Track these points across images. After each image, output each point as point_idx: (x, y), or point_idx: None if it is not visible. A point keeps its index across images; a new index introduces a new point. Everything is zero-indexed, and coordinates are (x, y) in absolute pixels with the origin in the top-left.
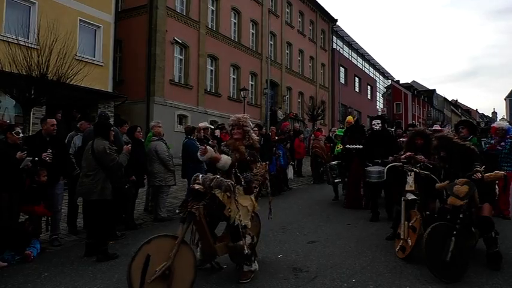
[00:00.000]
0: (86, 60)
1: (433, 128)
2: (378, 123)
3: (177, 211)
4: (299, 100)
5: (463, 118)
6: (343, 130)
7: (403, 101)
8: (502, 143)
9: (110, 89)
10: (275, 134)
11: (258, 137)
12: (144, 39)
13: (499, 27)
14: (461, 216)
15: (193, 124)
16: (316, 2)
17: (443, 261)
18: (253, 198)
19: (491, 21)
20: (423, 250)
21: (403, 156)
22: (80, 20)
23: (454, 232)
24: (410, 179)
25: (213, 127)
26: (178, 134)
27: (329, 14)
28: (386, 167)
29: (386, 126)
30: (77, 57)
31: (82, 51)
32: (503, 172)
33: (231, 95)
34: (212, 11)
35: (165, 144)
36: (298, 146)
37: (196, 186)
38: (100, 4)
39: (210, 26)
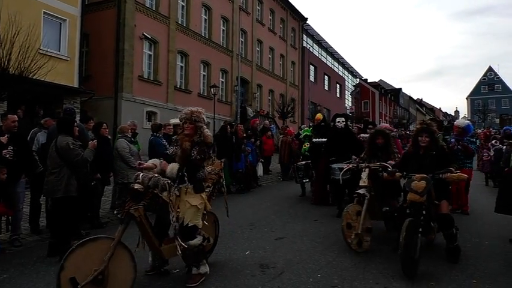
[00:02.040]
0: (50, 54)
1: (381, 126)
2: (342, 121)
3: (115, 212)
4: (269, 97)
5: (427, 116)
6: (309, 130)
7: (371, 99)
8: (461, 142)
9: (75, 85)
10: (242, 131)
11: (229, 134)
12: (112, 34)
13: (463, 28)
14: (424, 212)
15: (162, 121)
16: (287, 0)
17: (413, 259)
18: (204, 196)
19: (456, 22)
20: (400, 249)
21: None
22: (44, 12)
23: (420, 229)
24: (364, 175)
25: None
26: (147, 131)
27: (299, 12)
28: (341, 172)
29: (349, 124)
30: (40, 51)
31: (46, 45)
32: (466, 176)
33: (201, 91)
34: (182, 6)
35: (131, 141)
36: (265, 143)
37: (136, 186)
38: None
39: (180, 22)
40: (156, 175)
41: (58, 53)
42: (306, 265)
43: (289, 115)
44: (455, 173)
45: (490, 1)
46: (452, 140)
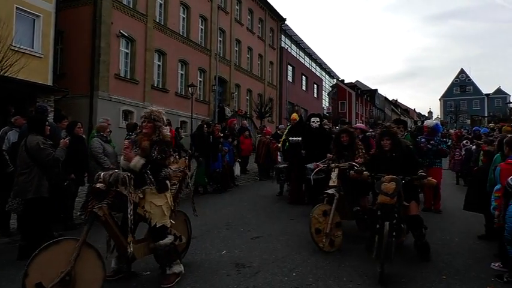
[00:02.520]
0: (23, 51)
1: (355, 126)
2: (317, 121)
3: (79, 213)
4: (247, 97)
5: (402, 117)
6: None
7: (348, 99)
8: (431, 141)
9: (49, 82)
10: (219, 130)
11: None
12: (88, 31)
13: (436, 31)
14: (396, 215)
15: (139, 120)
16: (266, 0)
17: (389, 262)
18: (169, 195)
19: (429, 25)
20: (382, 252)
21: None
22: (16, 7)
23: (394, 233)
24: (334, 175)
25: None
26: (123, 130)
27: (278, 12)
28: (312, 173)
29: (323, 124)
30: (12, 48)
31: (19, 42)
32: (435, 181)
33: (179, 91)
34: (160, 4)
35: (106, 140)
36: (242, 142)
37: (98, 185)
38: None
39: (157, 20)
40: (116, 171)
41: (31, 49)
42: (282, 264)
43: (267, 115)
44: (426, 178)
45: (461, 5)
46: (422, 140)
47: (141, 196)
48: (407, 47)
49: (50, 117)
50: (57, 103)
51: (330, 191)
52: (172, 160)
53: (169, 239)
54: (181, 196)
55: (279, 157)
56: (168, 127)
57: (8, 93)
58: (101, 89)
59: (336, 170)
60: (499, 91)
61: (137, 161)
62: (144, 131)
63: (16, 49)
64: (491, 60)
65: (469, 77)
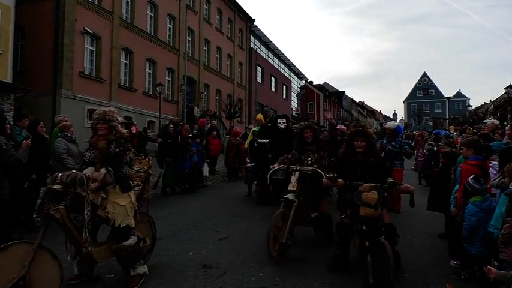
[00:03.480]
0: None
1: (339, 127)
2: (283, 122)
3: (34, 216)
4: (217, 97)
5: (368, 119)
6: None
7: (316, 101)
8: (393, 143)
9: (9, 80)
10: (187, 131)
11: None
12: (51, 27)
13: (398, 36)
14: (383, 229)
15: None
16: (234, 0)
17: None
18: (132, 195)
19: (392, 30)
20: (368, 275)
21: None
22: None
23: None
24: (293, 179)
25: (127, 121)
26: (88, 130)
27: (247, 13)
28: (269, 172)
29: (290, 125)
30: None
31: None
32: (413, 188)
33: (147, 90)
34: (127, 2)
35: (70, 140)
36: (211, 143)
37: (55, 186)
38: None
39: (124, 18)
40: (74, 171)
41: None
42: (249, 264)
43: (237, 115)
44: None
45: (422, 11)
46: (384, 142)
47: (104, 196)
48: (372, 50)
49: (10, 117)
50: (18, 101)
51: (289, 197)
52: (133, 160)
53: (132, 240)
54: (146, 197)
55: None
56: (132, 127)
57: None
58: (64, 87)
59: (297, 173)
60: (459, 94)
61: (103, 174)
62: (100, 132)
63: None
64: (451, 64)
65: (431, 80)
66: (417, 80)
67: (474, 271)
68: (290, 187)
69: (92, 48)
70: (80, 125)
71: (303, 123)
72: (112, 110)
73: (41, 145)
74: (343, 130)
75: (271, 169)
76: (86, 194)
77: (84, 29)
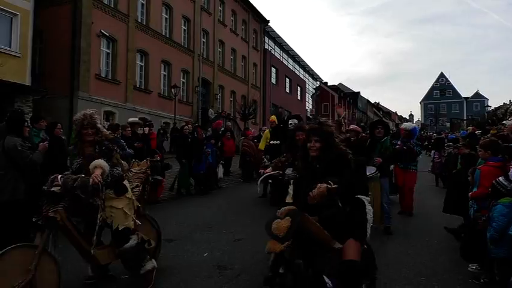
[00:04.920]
0: (0, 50)
1: (350, 128)
2: (295, 123)
3: (34, 219)
4: (231, 99)
5: (384, 120)
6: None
7: (331, 102)
8: (408, 144)
9: (28, 82)
10: (202, 133)
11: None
12: (68, 31)
13: (414, 35)
14: (282, 271)
15: (121, 121)
16: (249, 1)
17: None
18: (130, 196)
19: (408, 29)
20: None
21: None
22: None
23: None
24: (292, 189)
25: (142, 122)
26: None
27: (261, 14)
28: (260, 178)
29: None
30: None
31: None
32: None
33: (162, 92)
34: (142, 4)
35: None
36: (225, 144)
37: (53, 188)
38: None
39: (139, 20)
40: (83, 175)
41: (9, 49)
42: (264, 266)
43: (251, 117)
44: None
45: (439, 10)
46: (398, 142)
47: (103, 199)
48: (387, 50)
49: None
50: (36, 104)
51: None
52: (131, 163)
53: (133, 241)
54: (145, 198)
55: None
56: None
57: None
58: (82, 90)
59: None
60: (477, 95)
61: (98, 163)
62: (88, 139)
63: None
64: (469, 64)
65: (448, 80)
66: (434, 80)
67: (494, 275)
68: (288, 199)
69: (108, 51)
70: None
71: (295, 121)
72: (92, 111)
73: (58, 147)
74: (358, 131)
75: (262, 174)
76: (101, 202)
77: (101, 32)
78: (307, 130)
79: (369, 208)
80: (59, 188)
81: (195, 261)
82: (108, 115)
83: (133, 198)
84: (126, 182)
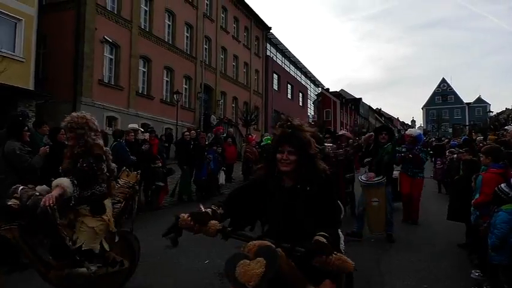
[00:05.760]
0: (4, 54)
1: (339, 134)
2: None
3: None
4: (233, 105)
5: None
6: (270, 138)
7: (332, 108)
8: (413, 151)
9: (31, 87)
10: (205, 139)
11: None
12: (72, 36)
13: (415, 41)
14: None
15: (123, 127)
16: (251, 9)
17: None
18: (107, 217)
19: (410, 35)
20: None
21: None
22: None
23: None
24: None
25: (142, 130)
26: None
27: (263, 21)
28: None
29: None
30: None
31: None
32: (352, 265)
33: (164, 97)
34: (145, 11)
35: None
36: (226, 150)
37: (10, 202)
38: None
39: (142, 27)
40: (38, 193)
41: (12, 53)
42: None
43: (253, 123)
44: (333, 254)
45: (440, 15)
46: (403, 150)
47: (72, 217)
48: (389, 56)
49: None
50: (39, 108)
51: None
52: (121, 171)
53: (90, 269)
54: (134, 214)
55: None
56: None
57: None
58: (84, 95)
59: None
60: (479, 100)
61: (61, 182)
62: (69, 143)
63: None
64: (471, 69)
65: (450, 86)
66: (436, 86)
67: (498, 282)
68: None
69: (111, 57)
70: None
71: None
72: (82, 115)
73: (61, 152)
74: (348, 136)
75: None
76: (58, 225)
77: (104, 38)
78: (276, 136)
79: (342, 240)
80: (16, 202)
81: (195, 269)
82: (111, 120)
83: (111, 219)
84: (107, 201)
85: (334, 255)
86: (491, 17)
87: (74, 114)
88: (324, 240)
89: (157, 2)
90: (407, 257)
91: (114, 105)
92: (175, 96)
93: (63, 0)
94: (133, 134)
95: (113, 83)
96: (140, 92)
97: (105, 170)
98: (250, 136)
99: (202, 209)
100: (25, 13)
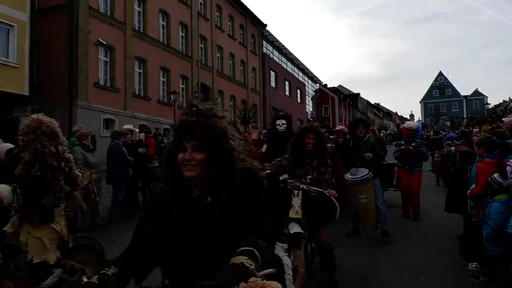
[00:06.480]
0: None
1: (336, 129)
2: (283, 124)
3: None
4: (231, 103)
5: (384, 120)
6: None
7: (331, 104)
8: (413, 144)
9: (26, 92)
10: None
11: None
12: (65, 40)
13: (411, 35)
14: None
15: (120, 129)
16: (246, 6)
17: None
18: (57, 225)
19: (407, 29)
20: None
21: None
22: None
23: None
24: (296, 202)
25: (137, 130)
26: (104, 139)
27: (258, 18)
28: None
29: (292, 127)
30: None
31: None
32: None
33: (161, 98)
34: (139, 12)
35: (87, 150)
36: None
37: None
38: (13, 2)
39: (137, 28)
40: None
41: (6, 59)
42: None
43: (251, 121)
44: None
45: (437, 9)
46: (402, 143)
47: (16, 224)
48: (386, 51)
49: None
50: (35, 113)
51: (297, 229)
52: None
53: (54, 277)
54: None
55: None
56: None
57: None
58: (80, 98)
59: (300, 193)
60: (476, 93)
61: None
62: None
63: None
64: (467, 62)
65: (447, 79)
66: (433, 80)
67: (495, 273)
68: (293, 214)
69: (106, 59)
70: (96, 135)
71: (283, 122)
72: (37, 118)
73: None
74: (345, 131)
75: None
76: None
77: (98, 41)
78: (175, 128)
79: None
80: None
81: None
82: (108, 123)
83: (63, 227)
84: (58, 209)
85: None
86: (487, 9)
87: (31, 116)
88: (244, 260)
89: (150, 3)
90: (405, 250)
91: (111, 107)
92: (172, 96)
93: (55, 5)
94: (130, 135)
95: (108, 85)
96: (137, 93)
97: (62, 182)
98: (247, 134)
99: (84, 279)
100: (18, 19)
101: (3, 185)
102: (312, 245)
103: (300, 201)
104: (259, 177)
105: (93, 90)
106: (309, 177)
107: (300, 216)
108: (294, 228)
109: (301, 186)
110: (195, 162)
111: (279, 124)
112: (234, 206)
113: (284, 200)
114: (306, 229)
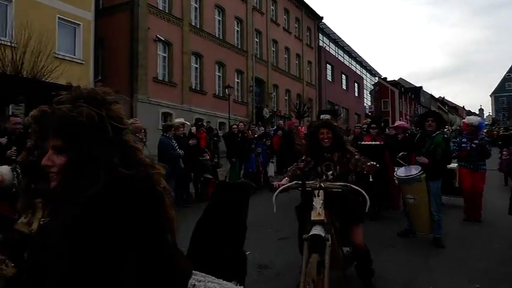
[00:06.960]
0: (66, 58)
1: (395, 125)
2: (327, 119)
3: None
4: (286, 97)
5: (450, 115)
6: None
7: (390, 98)
8: (475, 141)
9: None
10: (253, 132)
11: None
12: (126, 37)
13: (486, 23)
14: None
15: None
16: None
17: None
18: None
19: (479, 17)
20: None
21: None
22: (58, 17)
23: None
24: (318, 202)
25: (188, 123)
26: (161, 132)
27: (314, 11)
28: (274, 194)
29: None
30: (56, 55)
31: (61, 49)
32: None
33: (217, 92)
34: (195, 8)
35: (140, 142)
36: (276, 142)
37: None
38: (79, 2)
39: (193, 24)
40: None
41: (73, 56)
42: None
43: (306, 115)
44: None
45: None
46: (464, 140)
47: (31, 212)
48: (455, 41)
49: None
50: None
51: (320, 232)
52: None
53: None
54: None
55: None
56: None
57: (52, 98)
58: (140, 92)
59: (321, 193)
60: None
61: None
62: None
63: (59, 56)
64: None
65: None
66: (506, 71)
67: None
68: (315, 216)
69: (164, 55)
70: (155, 128)
71: (327, 117)
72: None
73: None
74: (405, 127)
75: (276, 187)
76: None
77: (157, 37)
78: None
79: None
80: None
81: None
82: (166, 116)
83: None
84: None
85: None
86: None
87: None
88: None
89: None
90: (462, 255)
91: (169, 101)
92: (227, 90)
93: (117, 4)
94: (182, 128)
95: (166, 80)
96: (193, 87)
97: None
98: (299, 127)
99: None
100: (83, 18)
101: (4, 166)
102: (348, 249)
103: (321, 201)
104: (138, 192)
105: (152, 85)
106: (331, 172)
107: (322, 218)
108: (313, 230)
109: (320, 185)
110: (56, 169)
111: (322, 119)
112: (86, 231)
113: (305, 203)
114: (331, 231)
